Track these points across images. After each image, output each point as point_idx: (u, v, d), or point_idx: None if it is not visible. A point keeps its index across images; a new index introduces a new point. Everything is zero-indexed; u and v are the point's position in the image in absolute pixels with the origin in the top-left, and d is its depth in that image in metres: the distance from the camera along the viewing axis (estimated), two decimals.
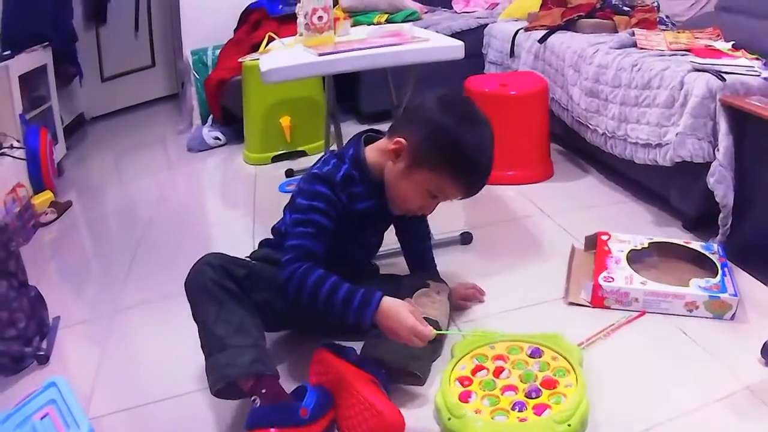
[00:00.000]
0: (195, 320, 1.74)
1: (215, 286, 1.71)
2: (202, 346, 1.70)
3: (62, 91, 4.48)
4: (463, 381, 1.78)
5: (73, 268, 2.95)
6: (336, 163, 1.88)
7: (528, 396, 1.69)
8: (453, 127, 1.77)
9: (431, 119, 1.80)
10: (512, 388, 1.74)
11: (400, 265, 2.32)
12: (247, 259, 1.97)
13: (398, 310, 1.70)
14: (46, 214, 3.37)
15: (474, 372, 1.81)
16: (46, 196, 3.46)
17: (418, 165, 1.80)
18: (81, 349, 2.25)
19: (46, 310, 2.34)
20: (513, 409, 1.65)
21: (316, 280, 1.72)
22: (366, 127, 2.02)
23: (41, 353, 2.13)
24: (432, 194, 1.86)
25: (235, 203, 3.56)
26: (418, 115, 1.85)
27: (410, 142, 1.80)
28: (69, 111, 4.79)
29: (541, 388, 1.70)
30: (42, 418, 1.57)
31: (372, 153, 1.91)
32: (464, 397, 1.72)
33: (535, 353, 1.83)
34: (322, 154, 2.19)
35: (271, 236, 2.06)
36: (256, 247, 2.11)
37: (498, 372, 1.80)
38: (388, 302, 1.71)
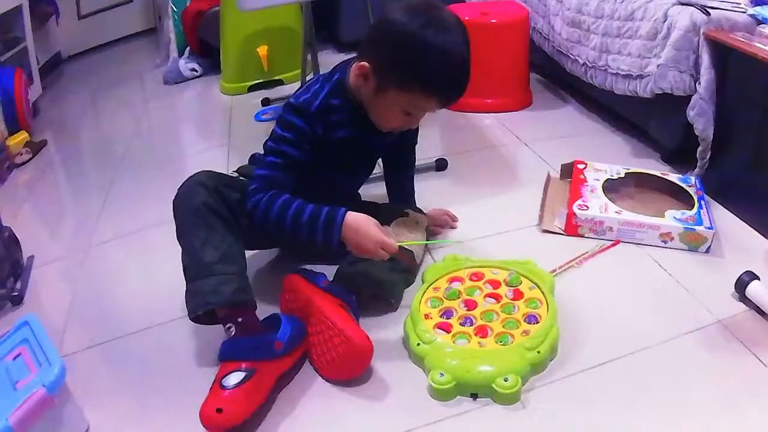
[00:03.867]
0: (180, 241, 1.67)
1: (207, 210, 1.63)
2: (184, 269, 1.64)
3: (38, 30, 4.35)
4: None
5: (48, 207, 2.90)
6: (316, 90, 1.79)
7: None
8: (416, 35, 1.60)
9: (392, 31, 1.67)
10: (474, 304, 1.79)
11: (381, 193, 2.28)
12: (236, 174, 1.92)
13: (365, 223, 1.67)
14: (21, 154, 3.30)
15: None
16: (21, 136, 3.39)
17: (385, 86, 1.70)
18: (55, 287, 2.21)
19: (20, 250, 2.29)
20: (463, 324, 1.72)
21: (281, 206, 1.68)
22: (344, 56, 1.94)
23: (15, 294, 2.09)
24: (407, 112, 1.75)
25: (210, 134, 3.51)
26: (379, 30, 1.74)
27: (374, 63, 1.70)
28: (45, 50, 4.66)
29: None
30: (15, 359, 1.54)
31: (351, 78, 1.79)
32: (448, 315, 1.76)
33: (531, 319, 1.74)
34: (309, 79, 2.11)
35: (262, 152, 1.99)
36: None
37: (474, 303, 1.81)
38: (354, 216, 1.68)
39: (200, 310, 1.59)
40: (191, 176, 1.70)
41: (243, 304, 1.61)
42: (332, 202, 1.71)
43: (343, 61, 1.85)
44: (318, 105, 1.75)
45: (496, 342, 1.64)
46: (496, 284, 1.85)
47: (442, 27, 1.63)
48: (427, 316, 1.75)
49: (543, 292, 1.79)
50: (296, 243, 1.78)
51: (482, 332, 1.68)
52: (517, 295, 1.80)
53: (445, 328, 1.71)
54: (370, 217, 1.70)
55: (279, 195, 1.69)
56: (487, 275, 1.89)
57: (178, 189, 1.69)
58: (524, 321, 1.70)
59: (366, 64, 1.70)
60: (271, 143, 1.77)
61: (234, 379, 1.47)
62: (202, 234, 1.62)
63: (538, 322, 1.68)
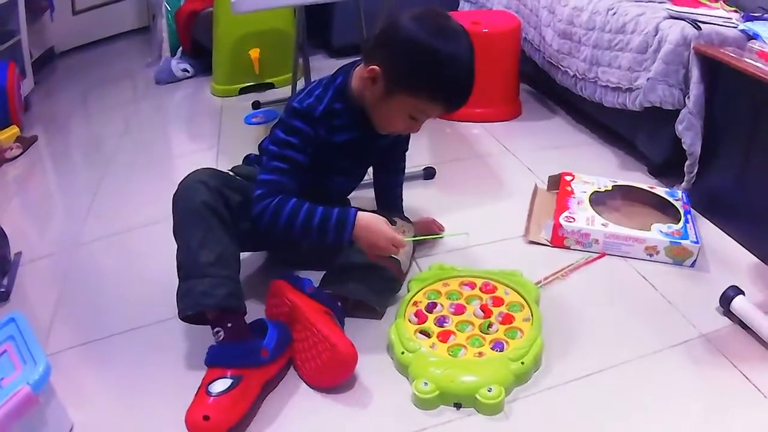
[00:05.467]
0: (176, 238, 1.66)
1: (207, 210, 1.63)
2: (178, 267, 1.63)
3: (32, 25, 4.34)
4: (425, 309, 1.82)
5: (37, 203, 2.88)
6: (319, 94, 1.80)
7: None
8: (426, 42, 1.64)
9: (403, 38, 1.69)
10: (462, 310, 1.81)
11: (369, 199, 2.29)
12: (231, 173, 1.92)
13: (375, 222, 1.75)
14: (12, 149, 3.28)
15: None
16: (12, 131, 3.38)
17: (394, 90, 1.72)
18: (42, 284, 2.20)
19: (8, 246, 2.28)
20: (436, 323, 1.76)
21: (290, 210, 1.70)
22: (336, 61, 1.94)
23: (2, 290, 2.08)
24: (412, 116, 1.78)
25: (200, 136, 3.49)
26: (389, 36, 1.74)
27: (384, 67, 1.71)
28: (39, 45, 4.66)
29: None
30: (0, 355, 1.54)
31: (354, 81, 1.82)
32: (431, 308, 1.81)
33: (497, 346, 1.71)
34: (299, 82, 2.10)
35: (256, 152, 2.01)
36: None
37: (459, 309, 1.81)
38: (365, 215, 1.75)
39: (191, 311, 1.58)
40: (193, 172, 1.71)
41: (234, 309, 1.61)
42: (323, 204, 1.74)
43: (346, 65, 1.87)
44: (322, 109, 1.78)
45: (447, 352, 1.65)
46: (498, 302, 1.84)
47: (452, 35, 1.69)
48: (415, 303, 1.81)
49: (528, 303, 1.80)
50: (302, 244, 1.85)
51: (443, 337, 1.70)
52: (507, 319, 1.77)
53: (421, 317, 1.76)
54: (380, 216, 1.77)
55: (287, 200, 1.71)
56: (499, 292, 1.88)
57: (179, 184, 1.68)
58: (489, 344, 1.68)
59: (377, 67, 1.71)
60: (274, 148, 1.78)
61: (220, 386, 1.47)
62: (199, 234, 1.61)
63: (502, 351, 1.65)
